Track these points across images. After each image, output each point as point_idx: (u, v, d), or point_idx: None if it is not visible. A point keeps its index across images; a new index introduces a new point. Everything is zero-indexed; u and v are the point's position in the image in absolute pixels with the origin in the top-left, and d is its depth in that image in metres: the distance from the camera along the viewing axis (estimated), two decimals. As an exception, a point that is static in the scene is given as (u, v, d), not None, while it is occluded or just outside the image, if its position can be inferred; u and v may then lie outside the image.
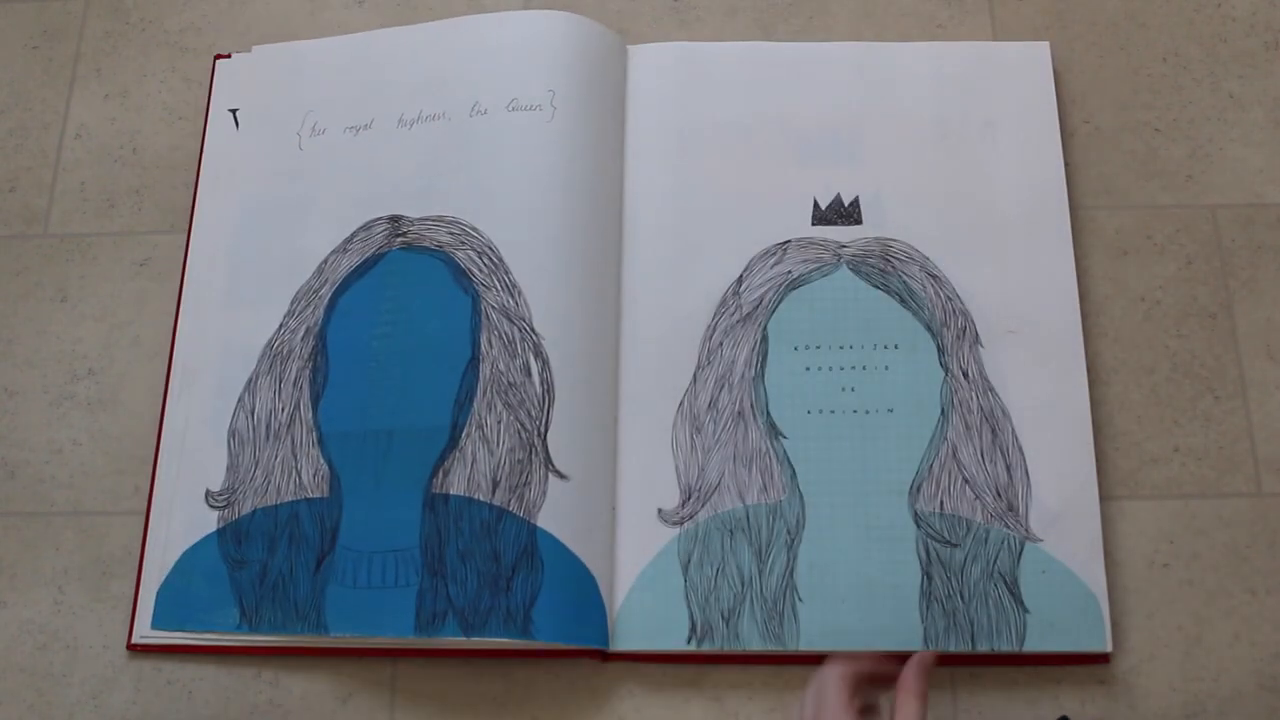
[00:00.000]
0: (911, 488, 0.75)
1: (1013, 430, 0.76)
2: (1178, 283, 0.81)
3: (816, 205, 0.82)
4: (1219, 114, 0.85)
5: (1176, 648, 0.74)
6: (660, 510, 0.76)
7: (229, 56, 0.90)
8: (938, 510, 0.75)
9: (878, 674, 0.64)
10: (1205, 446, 0.78)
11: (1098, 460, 0.76)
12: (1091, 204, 0.83)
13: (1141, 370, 0.79)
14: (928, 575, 0.73)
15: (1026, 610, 0.72)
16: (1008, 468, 0.75)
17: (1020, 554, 0.74)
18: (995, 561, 0.73)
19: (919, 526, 0.74)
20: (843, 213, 0.82)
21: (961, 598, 0.73)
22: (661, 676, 0.74)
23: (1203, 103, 0.86)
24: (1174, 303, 0.81)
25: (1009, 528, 0.74)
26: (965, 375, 0.77)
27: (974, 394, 0.77)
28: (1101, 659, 0.73)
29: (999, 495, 0.75)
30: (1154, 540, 0.76)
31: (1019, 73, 0.85)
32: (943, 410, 0.77)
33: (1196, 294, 0.81)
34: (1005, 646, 0.72)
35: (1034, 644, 0.72)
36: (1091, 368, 0.79)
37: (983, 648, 0.72)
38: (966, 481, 0.75)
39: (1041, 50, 0.86)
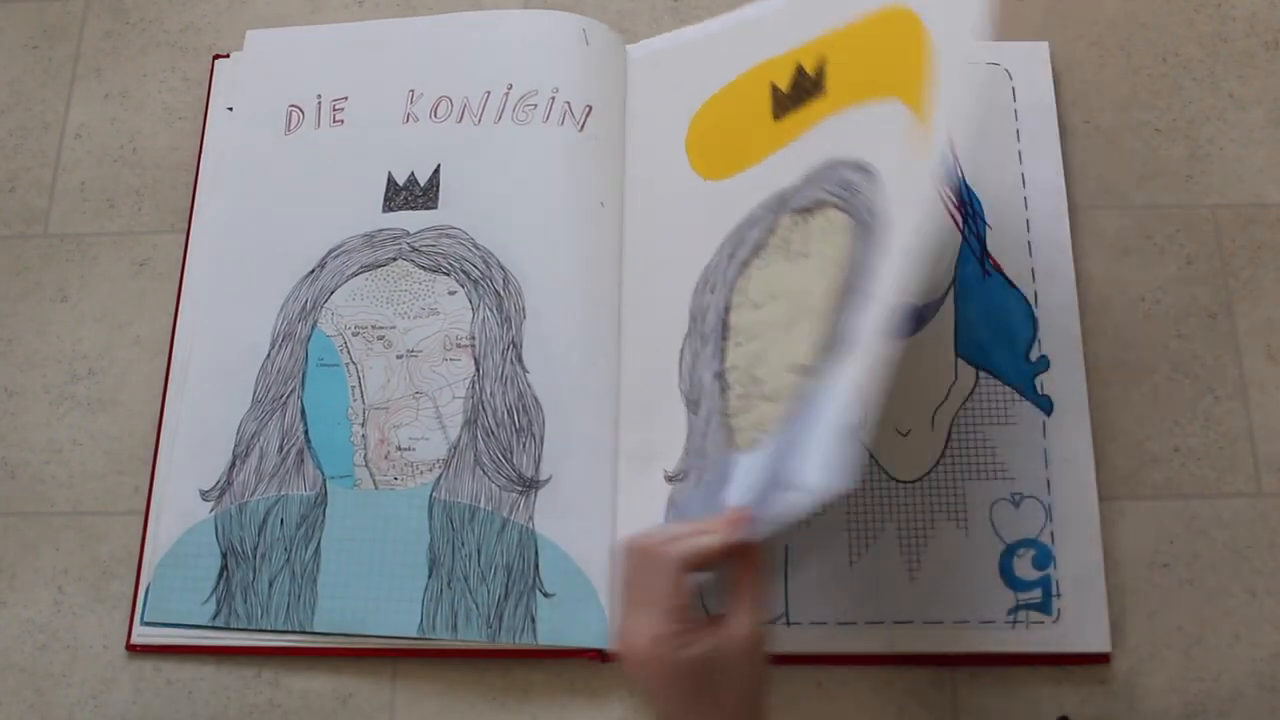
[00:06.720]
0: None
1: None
2: (1178, 283, 0.81)
3: None
4: (1219, 114, 0.85)
5: (1176, 648, 0.74)
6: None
7: (228, 56, 0.90)
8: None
9: (705, 554, 0.58)
10: (1205, 446, 0.78)
11: (1097, 460, 0.76)
12: (1091, 204, 0.83)
13: (1141, 370, 0.79)
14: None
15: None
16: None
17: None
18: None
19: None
20: None
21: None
22: (661, 676, 0.74)
23: (1203, 103, 0.86)
24: (1174, 303, 0.81)
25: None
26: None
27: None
28: (1101, 659, 0.73)
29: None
30: (1154, 540, 0.76)
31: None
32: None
33: (1196, 294, 0.81)
34: (997, 648, 0.72)
35: (1029, 645, 0.72)
36: (1091, 368, 0.79)
37: (971, 648, 0.72)
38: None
39: (1041, 50, 0.86)
